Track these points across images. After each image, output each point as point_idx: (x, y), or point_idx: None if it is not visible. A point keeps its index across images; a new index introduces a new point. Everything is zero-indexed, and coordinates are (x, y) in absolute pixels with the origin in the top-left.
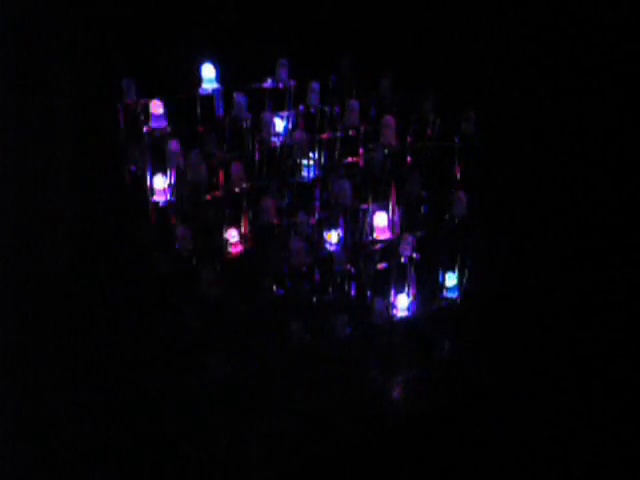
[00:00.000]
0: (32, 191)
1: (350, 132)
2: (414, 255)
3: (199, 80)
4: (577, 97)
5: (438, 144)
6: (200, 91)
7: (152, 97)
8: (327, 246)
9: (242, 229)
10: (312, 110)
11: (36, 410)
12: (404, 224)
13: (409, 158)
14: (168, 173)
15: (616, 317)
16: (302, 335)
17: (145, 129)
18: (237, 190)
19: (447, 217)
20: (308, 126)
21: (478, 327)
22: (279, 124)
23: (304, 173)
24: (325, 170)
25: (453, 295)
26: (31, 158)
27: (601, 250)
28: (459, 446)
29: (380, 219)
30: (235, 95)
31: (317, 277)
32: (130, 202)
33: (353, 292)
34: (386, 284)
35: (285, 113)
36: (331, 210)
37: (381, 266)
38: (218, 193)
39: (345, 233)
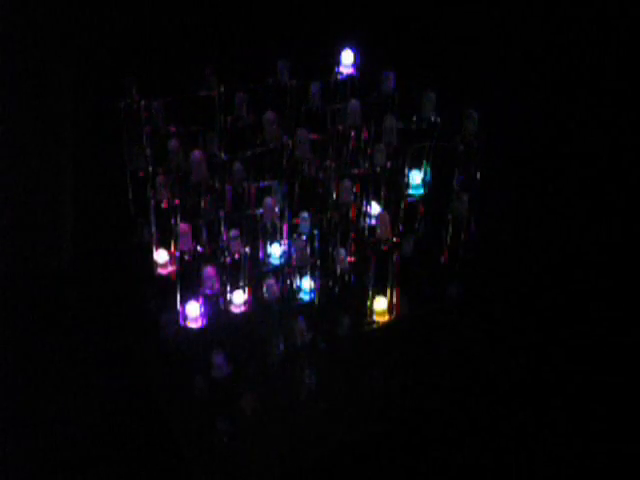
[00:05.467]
0: (32, 190)
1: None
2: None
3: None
4: (581, 97)
5: (439, 144)
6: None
7: (154, 96)
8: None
9: None
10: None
11: (36, 411)
12: None
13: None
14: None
15: (618, 316)
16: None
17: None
18: None
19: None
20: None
21: (478, 327)
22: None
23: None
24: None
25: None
26: (32, 157)
27: (602, 249)
28: (458, 446)
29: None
30: None
31: None
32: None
33: None
34: None
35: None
36: None
37: None
38: None
39: None
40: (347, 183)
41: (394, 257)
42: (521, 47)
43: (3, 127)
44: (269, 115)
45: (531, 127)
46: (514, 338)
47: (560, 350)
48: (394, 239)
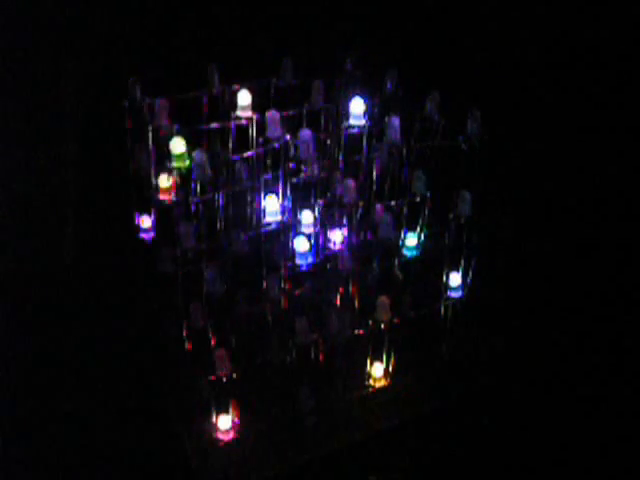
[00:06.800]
0: (36, 189)
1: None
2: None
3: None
4: (585, 96)
5: (442, 143)
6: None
7: (157, 96)
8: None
9: None
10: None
11: (36, 410)
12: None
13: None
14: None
15: (621, 316)
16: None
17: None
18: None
19: (451, 217)
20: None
21: (480, 327)
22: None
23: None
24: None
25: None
26: (36, 156)
27: (605, 249)
28: (459, 447)
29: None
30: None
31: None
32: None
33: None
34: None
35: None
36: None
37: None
38: None
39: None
40: (350, 182)
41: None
42: (526, 47)
43: (7, 126)
44: (272, 114)
45: (535, 127)
46: (515, 338)
47: (562, 349)
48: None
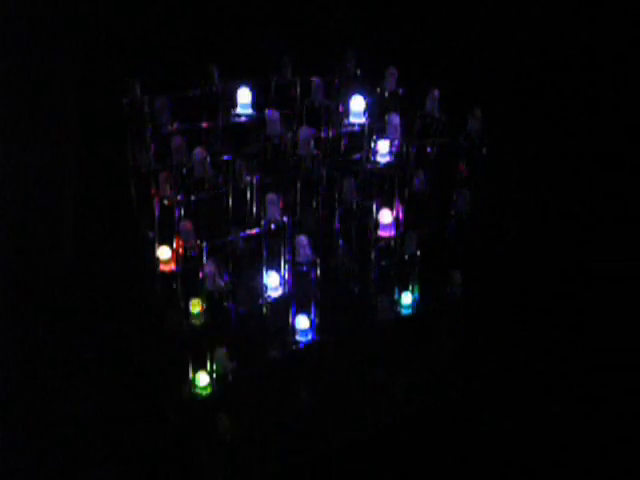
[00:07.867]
0: (34, 189)
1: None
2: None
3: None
4: (585, 95)
5: (443, 141)
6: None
7: (156, 94)
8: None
9: None
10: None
11: (37, 411)
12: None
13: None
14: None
15: (619, 316)
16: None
17: None
18: None
19: (452, 214)
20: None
21: (479, 325)
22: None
23: None
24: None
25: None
26: (35, 155)
27: (606, 248)
28: (458, 446)
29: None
30: None
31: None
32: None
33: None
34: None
35: None
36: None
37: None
38: None
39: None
40: (350, 182)
41: None
42: (526, 45)
43: (6, 125)
44: (272, 112)
45: (535, 125)
46: (515, 337)
47: (561, 348)
48: None
